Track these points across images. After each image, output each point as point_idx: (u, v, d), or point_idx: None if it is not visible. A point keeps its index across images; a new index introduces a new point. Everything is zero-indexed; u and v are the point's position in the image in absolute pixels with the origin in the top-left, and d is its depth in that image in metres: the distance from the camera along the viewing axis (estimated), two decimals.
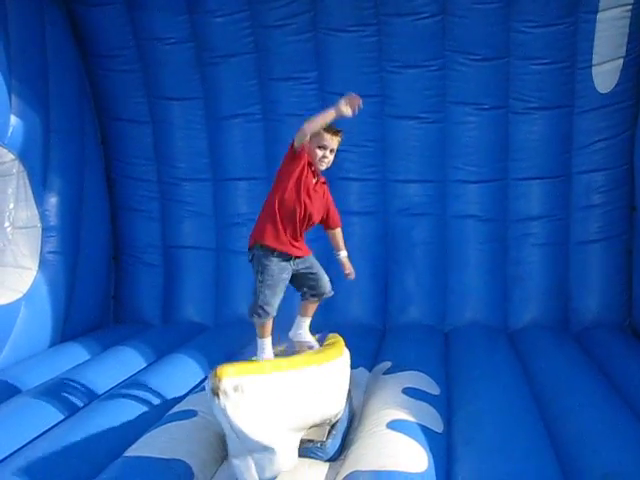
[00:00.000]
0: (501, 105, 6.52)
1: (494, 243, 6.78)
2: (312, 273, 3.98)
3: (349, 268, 4.23)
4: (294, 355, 3.97)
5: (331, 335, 4.45)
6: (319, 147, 3.81)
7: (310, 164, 3.83)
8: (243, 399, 3.09)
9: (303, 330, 4.14)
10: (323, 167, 3.89)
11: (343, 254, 4.23)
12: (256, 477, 3.21)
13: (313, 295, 4.05)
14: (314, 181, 3.87)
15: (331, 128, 3.79)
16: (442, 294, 6.88)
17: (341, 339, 4.39)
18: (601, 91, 6.28)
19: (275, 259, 3.79)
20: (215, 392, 3.04)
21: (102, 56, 6.87)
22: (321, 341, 4.30)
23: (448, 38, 6.35)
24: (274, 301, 3.81)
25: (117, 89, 7.03)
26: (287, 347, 4.24)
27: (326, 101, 6.68)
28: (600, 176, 6.54)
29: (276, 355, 3.98)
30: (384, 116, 6.69)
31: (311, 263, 3.98)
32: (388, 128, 6.72)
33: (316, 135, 3.76)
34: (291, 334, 4.16)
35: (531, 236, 6.73)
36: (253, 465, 3.18)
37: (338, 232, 4.21)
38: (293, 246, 3.84)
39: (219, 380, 3.04)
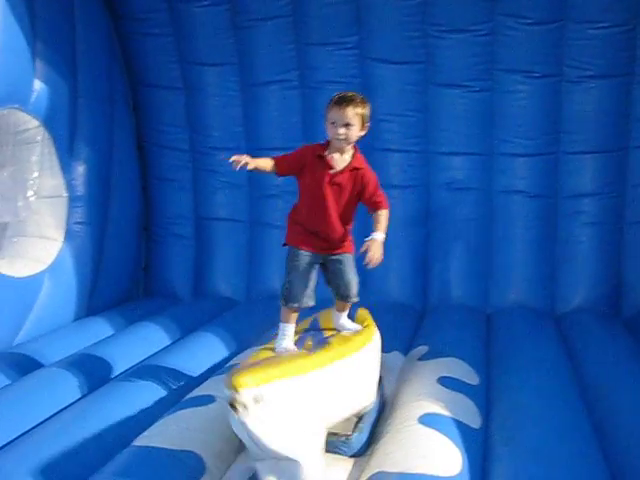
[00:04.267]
0: (554, 73, 6.05)
1: (542, 221, 6.36)
2: (338, 273, 3.71)
3: (374, 251, 3.52)
4: (318, 342, 3.66)
5: (360, 312, 4.14)
6: (331, 123, 3.51)
7: (320, 157, 3.57)
8: (265, 410, 2.75)
9: (342, 320, 3.89)
10: (343, 143, 3.55)
11: (375, 235, 3.57)
12: None
13: (336, 294, 3.79)
14: (331, 172, 3.56)
15: (339, 97, 3.48)
16: (486, 274, 6.50)
17: (370, 318, 4.09)
18: None
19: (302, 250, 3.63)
20: (232, 405, 2.69)
21: (133, 19, 6.59)
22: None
23: (498, 0, 5.90)
24: (302, 284, 3.57)
25: (149, 53, 6.74)
26: (312, 324, 4.02)
27: (367, 68, 6.35)
28: None
29: (297, 333, 3.71)
30: (428, 84, 6.28)
31: (342, 262, 3.70)
32: (432, 97, 6.31)
33: (326, 113, 3.53)
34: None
35: (582, 214, 6.29)
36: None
37: (380, 214, 3.67)
38: (318, 246, 3.64)
39: (236, 392, 2.68)
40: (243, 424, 2.71)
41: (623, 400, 3.95)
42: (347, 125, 3.48)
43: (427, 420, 3.41)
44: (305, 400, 2.99)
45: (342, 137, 3.50)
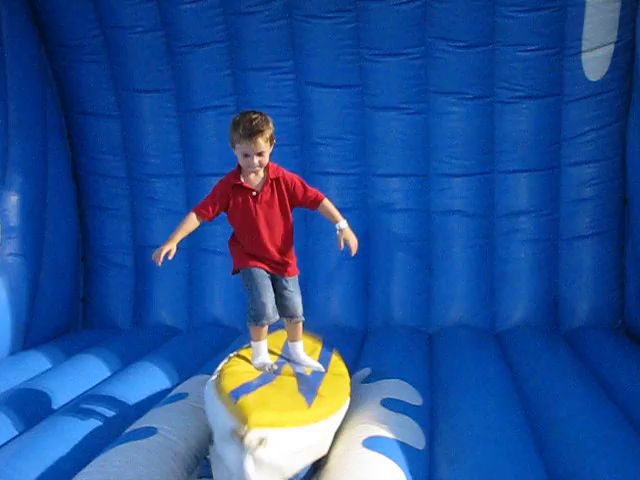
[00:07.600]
0: (486, 94, 6.18)
1: (480, 239, 6.46)
2: (285, 294, 3.78)
3: (349, 241, 3.72)
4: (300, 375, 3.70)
5: (333, 360, 4.19)
6: (244, 156, 3.55)
7: (238, 186, 3.63)
8: (264, 455, 2.74)
9: (299, 356, 3.94)
10: (258, 171, 3.63)
11: (338, 226, 3.72)
12: None
13: (282, 315, 3.82)
14: (254, 194, 3.64)
15: (246, 129, 3.48)
16: (426, 293, 6.54)
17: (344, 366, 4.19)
18: (591, 79, 5.95)
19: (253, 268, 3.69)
20: (239, 436, 2.68)
21: (65, 45, 6.49)
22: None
23: (430, 24, 6.00)
24: (264, 299, 3.62)
25: (83, 81, 6.64)
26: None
27: (302, 92, 6.38)
28: (591, 168, 6.22)
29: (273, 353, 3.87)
30: (363, 107, 6.35)
31: (288, 284, 3.78)
32: (368, 120, 6.38)
33: (234, 142, 3.57)
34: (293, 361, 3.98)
35: (519, 232, 6.40)
36: None
37: (323, 207, 3.76)
38: (266, 264, 3.70)
39: (248, 428, 2.67)
40: (241, 460, 2.69)
41: (565, 413, 4.00)
42: (260, 154, 3.53)
43: (371, 443, 3.37)
44: (298, 450, 2.98)
45: (257, 166, 3.57)
